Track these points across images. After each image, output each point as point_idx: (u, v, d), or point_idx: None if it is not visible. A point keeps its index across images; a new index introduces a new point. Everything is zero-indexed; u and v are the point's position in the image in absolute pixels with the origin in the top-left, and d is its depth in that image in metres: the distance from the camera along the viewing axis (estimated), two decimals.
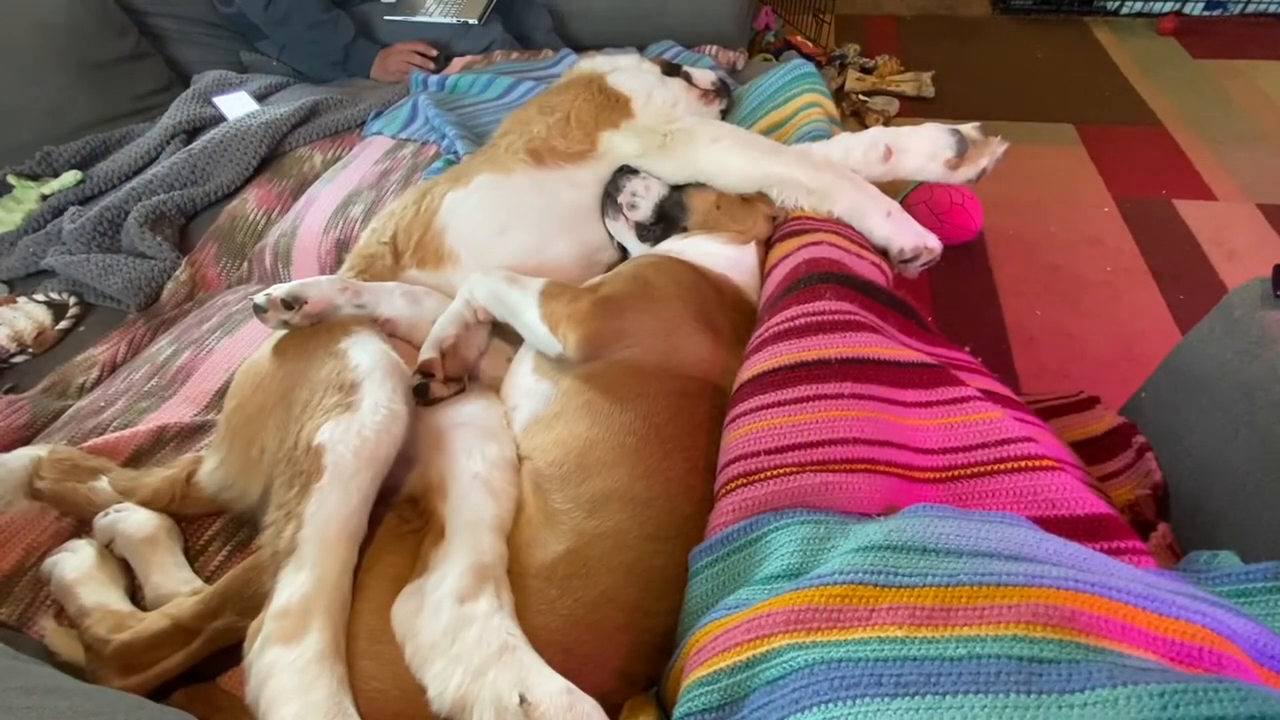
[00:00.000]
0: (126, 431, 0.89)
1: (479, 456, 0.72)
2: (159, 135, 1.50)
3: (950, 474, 0.63)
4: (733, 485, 0.64)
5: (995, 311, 1.72)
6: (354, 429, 0.67)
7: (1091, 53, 2.81)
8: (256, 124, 1.45)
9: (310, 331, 0.79)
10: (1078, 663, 0.38)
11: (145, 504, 0.76)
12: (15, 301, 1.19)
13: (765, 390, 0.69)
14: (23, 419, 0.95)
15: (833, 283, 0.76)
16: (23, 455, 0.77)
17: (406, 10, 1.79)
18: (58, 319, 1.18)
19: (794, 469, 0.62)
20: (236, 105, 1.56)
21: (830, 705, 0.41)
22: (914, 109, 2.51)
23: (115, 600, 0.68)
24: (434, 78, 1.64)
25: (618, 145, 1.00)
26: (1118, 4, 2.98)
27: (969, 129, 0.94)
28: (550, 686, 0.52)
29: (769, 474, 0.63)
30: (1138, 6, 2.97)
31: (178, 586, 0.70)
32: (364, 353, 0.74)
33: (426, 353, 0.81)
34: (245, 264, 1.27)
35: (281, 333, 0.80)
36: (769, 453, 0.64)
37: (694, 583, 0.62)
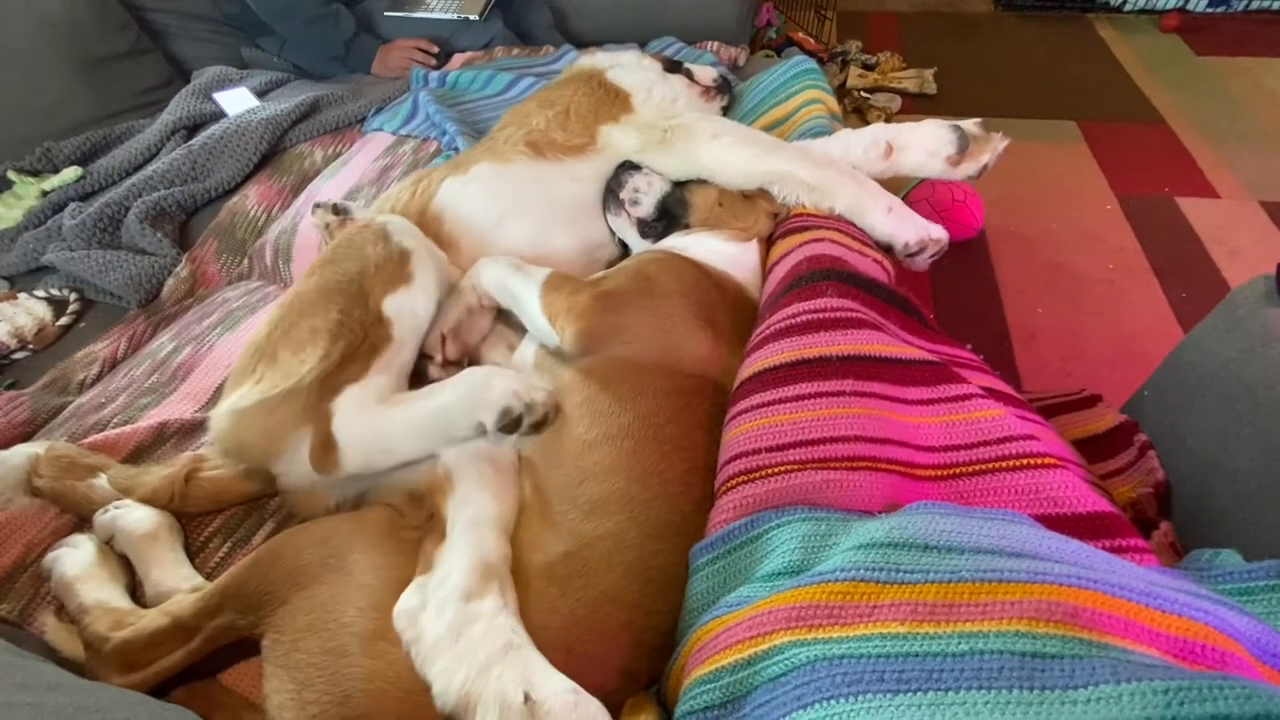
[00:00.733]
0: (127, 428, 0.89)
1: (482, 456, 0.73)
2: (159, 131, 1.49)
3: (952, 471, 0.62)
4: (733, 483, 0.64)
5: (996, 309, 1.71)
6: (410, 305, 0.79)
7: (1094, 49, 2.80)
8: (257, 120, 1.45)
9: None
10: (1081, 659, 0.38)
11: (145, 502, 0.76)
12: (16, 298, 1.19)
13: (766, 388, 0.68)
14: (23, 415, 0.95)
15: (834, 280, 0.75)
16: (20, 453, 0.77)
17: (407, 6, 1.79)
18: (58, 315, 1.18)
19: (795, 466, 0.62)
20: (237, 101, 1.55)
21: (832, 702, 0.41)
22: (916, 106, 2.50)
23: (115, 597, 0.68)
24: (435, 74, 1.64)
25: (617, 140, 1.00)
26: (1121, 0, 2.97)
27: (970, 125, 0.93)
28: (555, 685, 0.52)
29: (770, 471, 0.63)
30: (1141, 3, 2.96)
31: (178, 583, 0.70)
32: (404, 229, 0.84)
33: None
34: (246, 260, 1.27)
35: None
36: (770, 450, 0.64)
37: (695, 580, 0.62)
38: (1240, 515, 0.64)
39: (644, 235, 0.97)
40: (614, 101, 1.03)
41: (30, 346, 1.13)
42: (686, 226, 0.95)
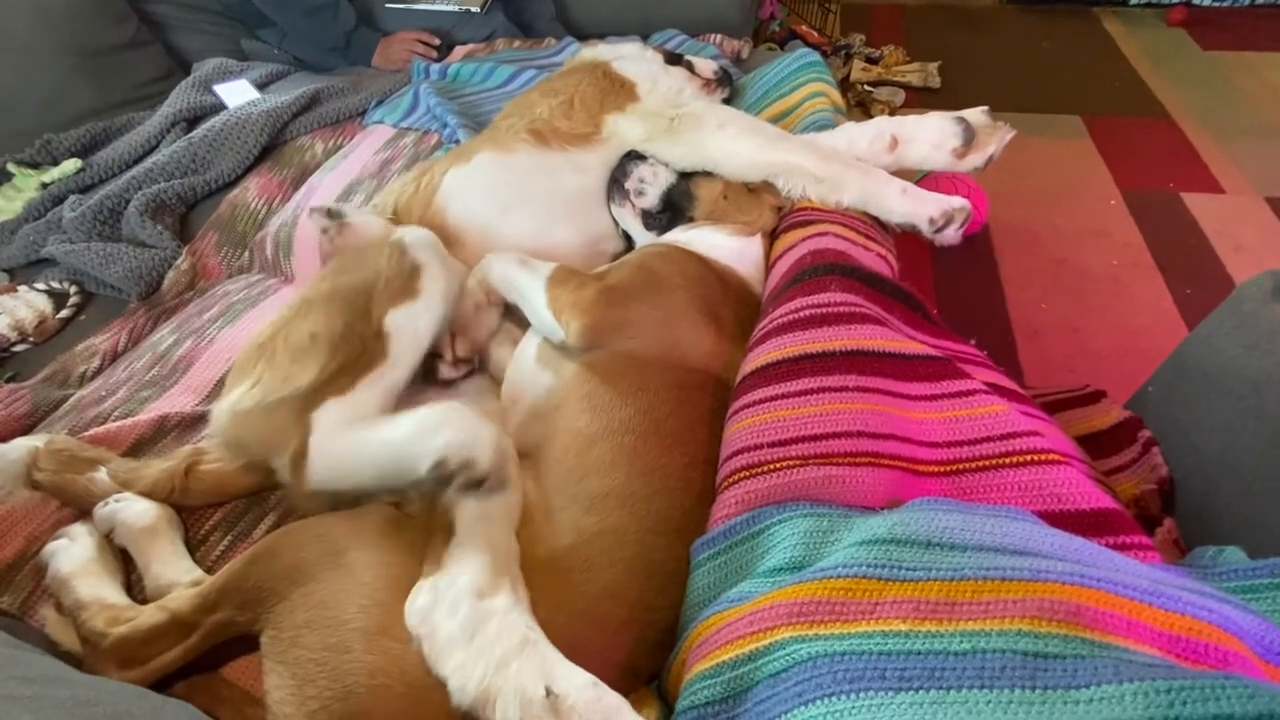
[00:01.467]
0: (128, 421, 0.89)
1: None
2: (159, 123, 1.49)
3: (955, 468, 0.62)
4: (735, 478, 0.64)
5: (1000, 305, 1.71)
6: (412, 321, 0.77)
7: (1100, 44, 2.78)
8: (257, 112, 1.44)
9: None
10: (1083, 658, 0.38)
11: (145, 495, 0.75)
12: (16, 290, 1.19)
13: (769, 383, 0.68)
14: (24, 408, 0.95)
15: (838, 274, 0.75)
16: (20, 446, 0.77)
17: None
18: (58, 308, 1.18)
19: (797, 462, 0.62)
20: (237, 93, 1.55)
21: (834, 698, 0.41)
22: (920, 100, 2.49)
23: (112, 594, 0.68)
24: (436, 66, 1.63)
25: (623, 129, 0.99)
26: None
27: (975, 115, 0.93)
28: (577, 680, 0.52)
29: (772, 467, 0.63)
30: None
31: (178, 576, 0.70)
32: (421, 243, 0.82)
33: None
34: (246, 253, 1.27)
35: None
36: (772, 445, 0.64)
37: (696, 575, 0.62)
38: (1244, 512, 0.64)
39: (648, 227, 0.97)
40: (619, 91, 1.03)
41: (31, 339, 1.13)
42: (691, 219, 0.95)
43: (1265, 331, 0.66)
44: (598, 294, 0.78)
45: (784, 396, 0.67)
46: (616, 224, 1.01)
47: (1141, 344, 1.57)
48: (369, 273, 0.78)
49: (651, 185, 0.95)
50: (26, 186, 1.40)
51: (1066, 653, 0.38)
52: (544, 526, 0.66)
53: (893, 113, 2.39)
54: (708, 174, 0.95)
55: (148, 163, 1.37)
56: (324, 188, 1.29)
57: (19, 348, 1.12)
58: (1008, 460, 0.61)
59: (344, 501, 0.75)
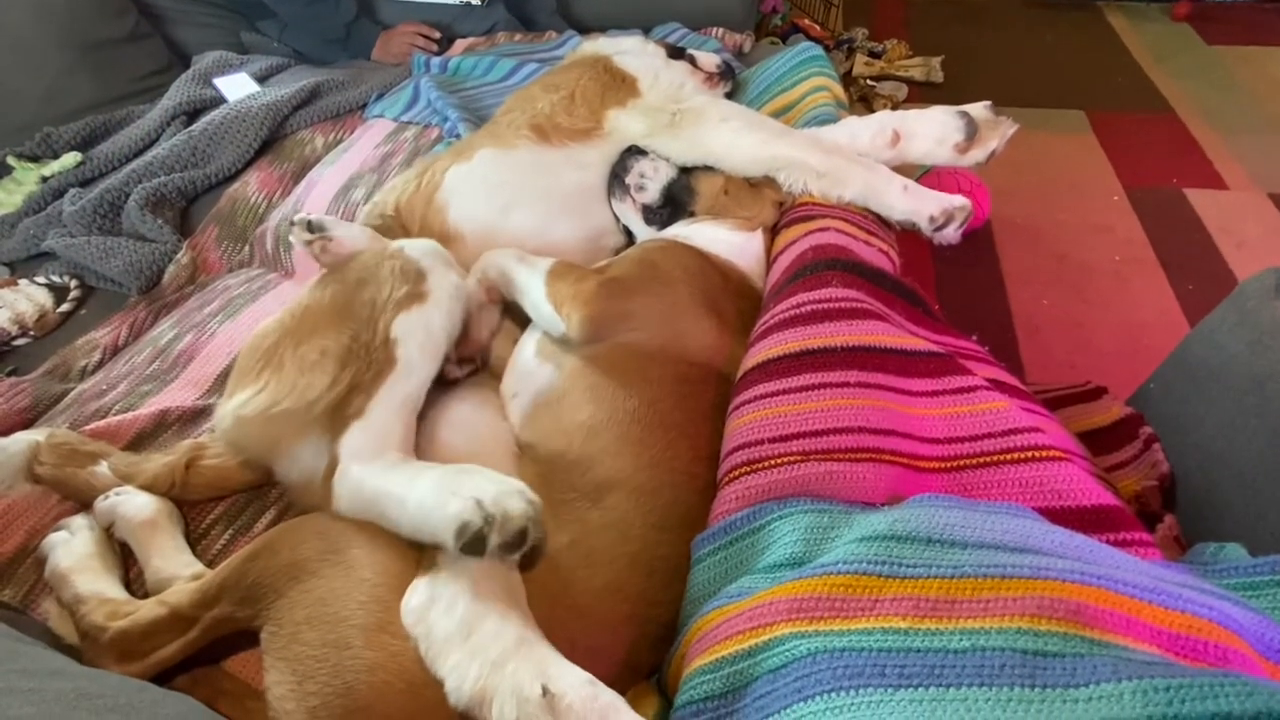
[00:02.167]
0: (129, 415, 0.89)
1: (484, 447, 0.73)
2: (159, 117, 1.48)
3: (956, 464, 0.62)
4: (736, 473, 0.64)
5: (1001, 301, 1.70)
6: (422, 324, 0.75)
7: (1104, 38, 2.77)
8: (257, 106, 1.43)
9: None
10: (1082, 656, 0.38)
11: (145, 489, 0.75)
12: (16, 284, 1.19)
13: (770, 378, 0.68)
14: (25, 402, 0.95)
15: (839, 269, 0.75)
16: (21, 440, 0.77)
17: None
18: (59, 302, 1.18)
19: (798, 457, 0.62)
20: (237, 87, 1.54)
21: (833, 695, 0.41)
22: (922, 94, 2.47)
23: (110, 588, 0.68)
24: (436, 60, 1.62)
25: (624, 124, 0.99)
26: None
27: (978, 109, 0.92)
28: (573, 679, 0.52)
29: (773, 462, 0.63)
30: None
31: (179, 570, 0.70)
32: (425, 251, 0.80)
33: None
34: (247, 247, 1.26)
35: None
36: (773, 441, 0.64)
37: (696, 571, 0.62)
38: (1245, 509, 0.64)
39: (649, 222, 0.97)
40: (620, 86, 1.02)
41: (31, 333, 1.13)
42: (691, 214, 0.94)
43: (1267, 328, 0.66)
44: (598, 286, 0.78)
45: (785, 392, 0.67)
46: (617, 219, 1.01)
47: (1143, 340, 1.57)
48: (374, 284, 0.76)
49: (652, 180, 0.95)
50: (26, 180, 1.40)
51: (1066, 651, 0.38)
52: (547, 522, 0.66)
53: (895, 107, 2.38)
54: (708, 169, 0.95)
55: (148, 156, 1.36)
56: (324, 182, 1.29)
57: (19, 341, 1.12)
58: (1009, 456, 0.61)
59: None
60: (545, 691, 0.51)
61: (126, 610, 0.64)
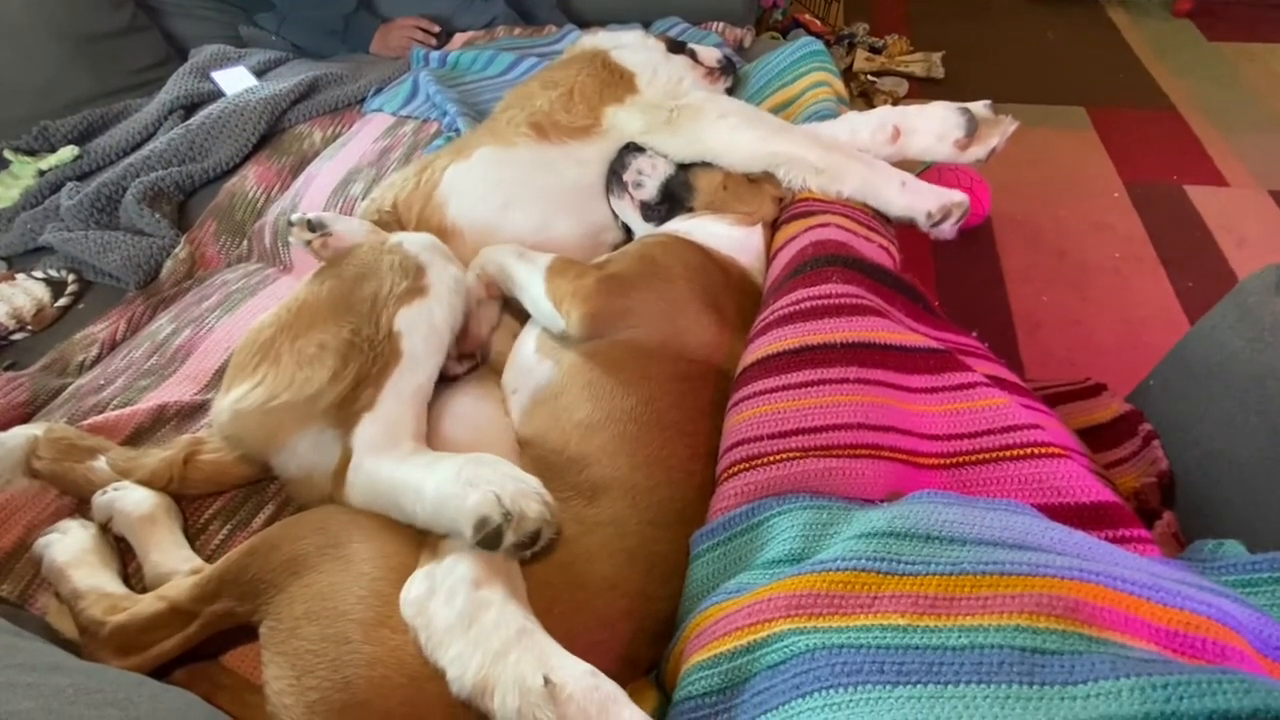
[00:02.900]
0: (126, 410, 0.89)
1: (483, 442, 0.73)
2: (157, 110, 1.48)
3: (955, 460, 0.62)
4: (735, 470, 0.64)
5: (1001, 297, 1.70)
6: (425, 317, 0.75)
7: (1105, 34, 2.76)
8: (255, 100, 1.43)
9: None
10: (1080, 654, 0.38)
11: (143, 484, 0.75)
12: (14, 278, 1.18)
13: (769, 374, 0.68)
14: (23, 396, 0.95)
15: (839, 265, 0.75)
16: (19, 434, 0.77)
17: None
18: (56, 296, 1.17)
19: (797, 454, 0.62)
20: (235, 80, 1.53)
21: (832, 691, 0.41)
22: (923, 90, 2.47)
23: (109, 583, 0.68)
24: (435, 54, 1.61)
25: (622, 121, 0.99)
26: None
27: (978, 107, 0.92)
28: (575, 669, 0.52)
29: (772, 459, 0.63)
30: None
31: (177, 565, 0.70)
32: (423, 245, 0.80)
33: None
34: (245, 242, 1.26)
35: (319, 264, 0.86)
36: (772, 437, 0.64)
37: (695, 567, 0.62)
38: (1244, 506, 0.64)
39: (647, 218, 0.96)
40: (618, 82, 1.02)
41: (29, 327, 1.13)
42: (690, 210, 0.94)
43: (1268, 325, 0.66)
44: (598, 282, 0.78)
45: (784, 388, 0.66)
46: (616, 216, 1.01)
47: (1143, 337, 1.57)
48: (373, 279, 0.76)
49: (650, 177, 0.95)
50: (24, 174, 1.40)
51: (1064, 648, 0.38)
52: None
53: (896, 103, 2.37)
54: (707, 164, 0.95)
55: (145, 150, 1.36)
56: (323, 176, 1.28)
57: (17, 336, 1.12)
58: (1008, 453, 0.61)
59: None
60: (547, 682, 0.51)
61: (125, 605, 0.65)
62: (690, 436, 0.71)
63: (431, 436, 0.75)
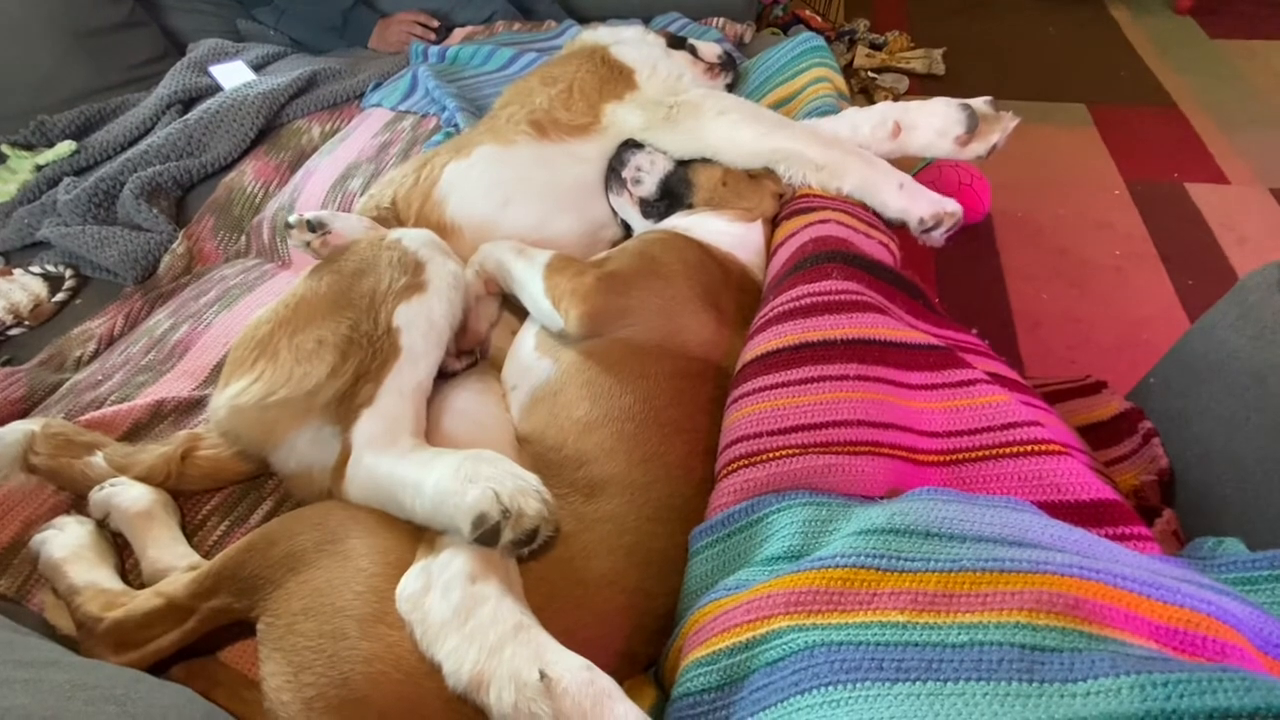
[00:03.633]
0: (124, 406, 0.89)
1: (480, 438, 0.72)
2: (154, 105, 1.47)
3: (955, 457, 0.62)
4: (735, 466, 0.64)
5: (1001, 295, 1.70)
6: (424, 312, 0.74)
7: (1106, 31, 2.75)
8: (253, 94, 1.42)
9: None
10: (1080, 651, 0.38)
11: (141, 480, 0.75)
12: (11, 273, 1.18)
13: (769, 371, 0.68)
14: (20, 391, 0.95)
15: (839, 262, 0.74)
16: (16, 429, 0.76)
17: None
18: (54, 291, 1.17)
19: (797, 450, 0.62)
20: (233, 75, 1.53)
21: (831, 688, 0.41)
22: (924, 87, 2.46)
23: (106, 578, 0.68)
24: (434, 49, 1.61)
25: (622, 118, 0.98)
26: None
27: (979, 103, 0.91)
28: (570, 663, 0.52)
29: (771, 455, 0.62)
30: None
31: (174, 561, 0.70)
32: (421, 240, 0.80)
33: None
34: (243, 238, 1.26)
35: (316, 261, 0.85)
36: (772, 434, 0.64)
37: (694, 563, 0.62)
38: (1244, 504, 0.64)
39: (646, 215, 0.96)
40: (618, 78, 1.01)
41: (26, 323, 1.12)
42: (690, 206, 0.94)
43: (1269, 323, 0.65)
44: (597, 281, 0.77)
45: (784, 385, 0.66)
46: (615, 213, 1.00)
47: (1143, 335, 1.56)
48: (371, 275, 0.76)
49: (649, 174, 0.94)
50: (21, 168, 1.39)
51: (1064, 646, 0.38)
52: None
53: (896, 99, 2.36)
54: (707, 161, 0.94)
55: (143, 145, 1.35)
56: (321, 171, 1.28)
57: (14, 331, 1.11)
58: (1008, 450, 0.61)
59: None
60: (543, 676, 0.51)
61: (122, 601, 0.64)
62: (689, 433, 0.70)
63: (431, 432, 0.75)
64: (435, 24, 1.71)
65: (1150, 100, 2.34)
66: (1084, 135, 2.21)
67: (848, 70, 2.49)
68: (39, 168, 1.38)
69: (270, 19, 1.79)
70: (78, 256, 1.21)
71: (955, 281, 1.73)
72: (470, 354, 0.85)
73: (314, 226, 0.84)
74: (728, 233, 0.88)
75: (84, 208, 1.25)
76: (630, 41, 1.10)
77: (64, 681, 0.45)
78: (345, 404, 0.71)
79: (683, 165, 0.95)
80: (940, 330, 0.74)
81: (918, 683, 0.39)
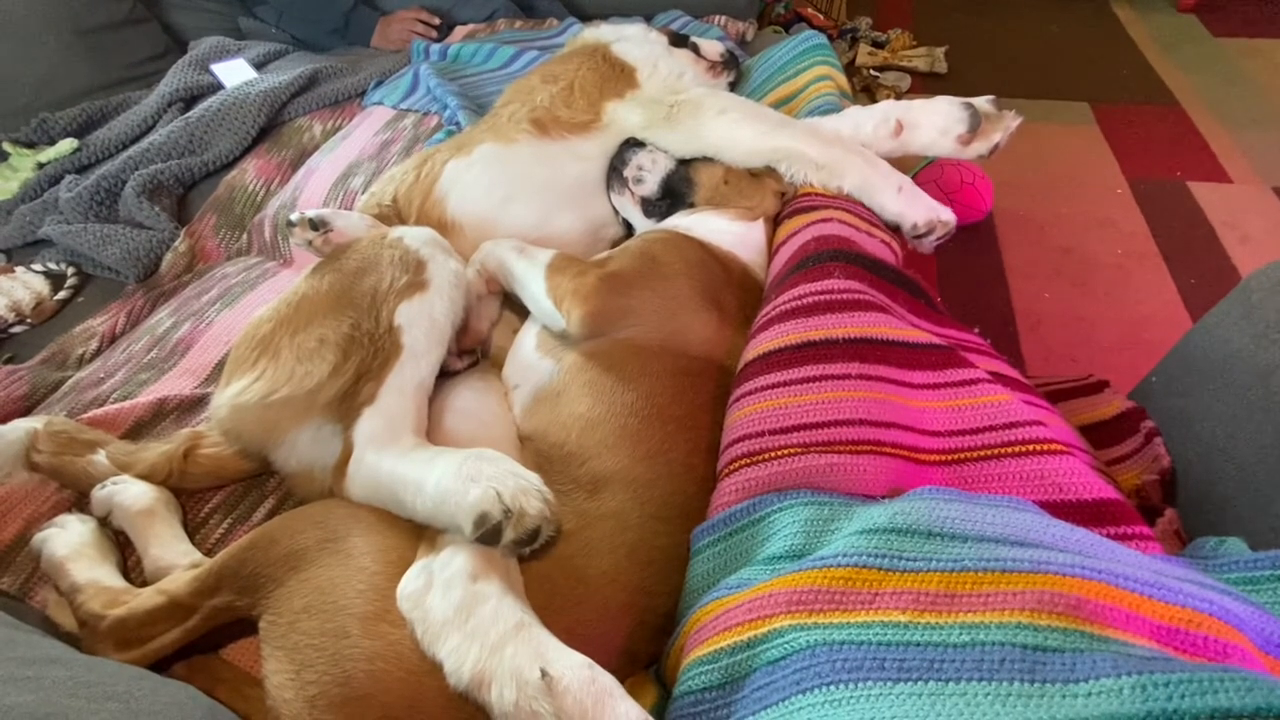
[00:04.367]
0: (126, 404, 0.89)
1: (482, 435, 0.72)
2: (156, 103, 1.47)
3: (957, 456, 0.62)
4: (736, 465, 0.64)
5: (1003, 293, 1.70)
6: (425, 311, 0.74)
7: (1109, 29, 2.75)
8: (255, 92, 1.42)
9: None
10: (1082, 652, 0.38)
11: (143, 478, 0.75)
12: (13, 271, 1.18)
13: (771, 370, 0.68)
14: (22, 389, 0.95)
15: (841, 261, 0.74)
16: (19, 427, 0.76)
17: None
18: (56, 289, 1.17)
19: (799, 449, 0.62)
20: (234, 73, 1.53)
21: (832, 687, 0.41)
22: (926, 85, 2.46)
23: (108, 576, 0.68)
24: (436, 46, 1.61)
25: (622, 116, 0.98)
26: None
27: (982, 102, 0.91)
28: (571, 661, 0.52)
29: (773, 454, 0.62)
30: None
31: (176, 559, 0.70)
32: (422, 239, 0.80)
33: None
34: (245, 236, 1.26)
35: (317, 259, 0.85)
36: (773, 433, 0.64)
37: (695, 562, 0.62)
38: (1247, 503, 0.63)
39: (648, 214, 0.96)
40: (619, 76, 1.01)
41: (28, 321, 1.12)
42: (691, 205, 0.93)
43: (1273, 322, 0.65)
44: (598, 281, 0.77)
45: (786, 384, 0.66)
46: (617, 212, 1.00)
47: (1145, 334, 1.56)
48: (373, 273, 0.76)
49: (650, 173, 0.94)
50: (23, 166, 1.39)
51: (1066, 646, 0.38)
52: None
53: (899, 98, 2.35)
54: (708, 160, 0.94)
55: (144, 143, 1.35)
56: (323, 170, 1.28)
57: (16, 329, 1.11)
58: (1010, 450, 0.61)
59: None
60: (544, 674, 0.51)
61: (124, 598, 0.64)
62: (692, 431, 0.70)
63: (433, 431, 0.75)
64: (437, 22, 1.71)
65: (1153, 99, 2.34)
66: (1086, 133, 2.20)
67: (850, 68, 2.48)
68: (41, 165, 1.39)
69: (271, 17, 1.79)
70: (80, 254, 1.21)
71: (957, 280, 1.73)
72: (472, 353, 0.85)
73: (316, 224, 0.85)
74: (729, 231, 0.87)
75: (86, 206, 1.25)
76: (632, 39, 1.09)
77: (66, 679, 0.46)
78: (347, 402, 0.71)
79: (684, 164, 0.95)
80: (942, 329, 0.74)
81: (919, 682, 0.39)
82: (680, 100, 0.96)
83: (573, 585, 0.62)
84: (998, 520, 0.48)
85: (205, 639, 0.65)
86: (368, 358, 0.71)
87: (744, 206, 0.91)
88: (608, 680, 0.52)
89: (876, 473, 0.60)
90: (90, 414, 0.86)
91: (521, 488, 0.60)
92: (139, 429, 0.87)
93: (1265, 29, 2.63)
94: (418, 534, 0.63)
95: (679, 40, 1.15)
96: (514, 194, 0.95)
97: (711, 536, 0.62)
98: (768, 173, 0.92)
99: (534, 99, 1.01)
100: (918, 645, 0.40)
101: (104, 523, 0.74)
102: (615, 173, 0.97)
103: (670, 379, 0.72)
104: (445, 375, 0.79)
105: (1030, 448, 0.60)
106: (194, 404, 0.91)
